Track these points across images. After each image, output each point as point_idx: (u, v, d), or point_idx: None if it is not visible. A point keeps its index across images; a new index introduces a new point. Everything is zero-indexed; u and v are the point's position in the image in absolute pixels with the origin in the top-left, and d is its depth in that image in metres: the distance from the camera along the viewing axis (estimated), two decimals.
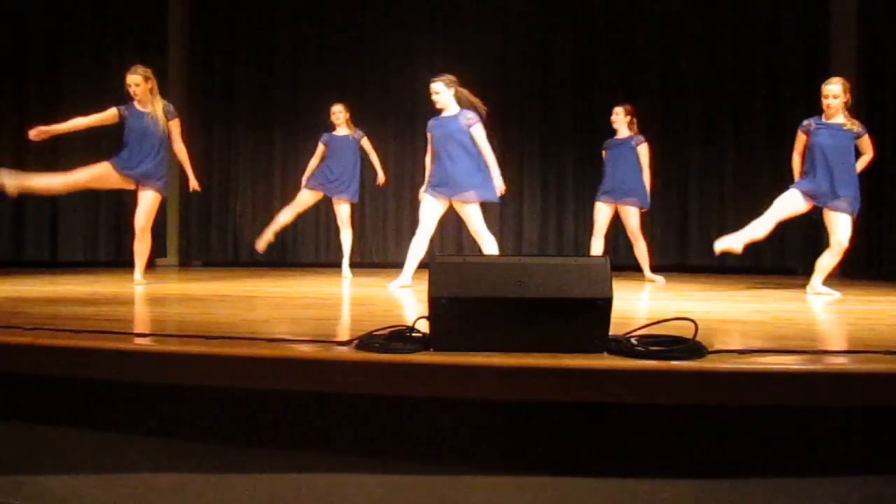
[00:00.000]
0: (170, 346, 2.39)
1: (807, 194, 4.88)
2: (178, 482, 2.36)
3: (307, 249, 7.70)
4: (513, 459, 2.23)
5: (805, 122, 5.02)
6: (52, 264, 7.19)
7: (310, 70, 8.12)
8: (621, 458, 2.20)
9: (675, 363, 2.12)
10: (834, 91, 4.81)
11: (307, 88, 8.04)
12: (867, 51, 7.09)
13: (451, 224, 7.36)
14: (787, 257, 7.36)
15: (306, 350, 2.40)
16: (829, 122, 4.89)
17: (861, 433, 2.16)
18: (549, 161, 7.88)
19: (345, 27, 8.12)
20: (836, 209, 4.82)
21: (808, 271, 7.43)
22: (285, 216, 6.76)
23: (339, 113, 6.63)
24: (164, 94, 7.78)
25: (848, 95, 4.85)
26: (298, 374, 2.24)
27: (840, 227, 4.81)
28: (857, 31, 7.23)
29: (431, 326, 2.30)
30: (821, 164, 4.83)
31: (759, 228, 4.93)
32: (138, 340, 2.53)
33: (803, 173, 4.99)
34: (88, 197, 7.42)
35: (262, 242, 6.72)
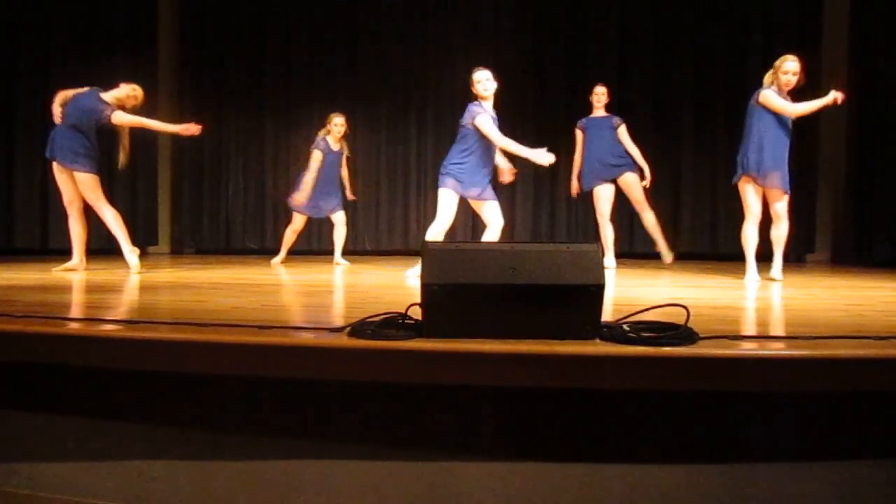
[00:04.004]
0: (162, 333, 2.39)
1: None
2: (170, 469, 2.36)
3: (300, 237, 7.66)
4: (505, 445, 2.24)
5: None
6: (43, 251, 7.16)
7: (301, 57, 8.07)
8: (613, 443, 2.21)
9: (666, 349, 2.13)
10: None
11: (298, 76, 8.00)
12: (857, 48, 7.11)
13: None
14: None
15: (299, 337, 2.39)
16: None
17: (852, 418, 2.17)
18: (541, 147, 7.86)
19: (336, 11, 8.06)
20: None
21: (799, 258, 7.54)
22: (289, 238, 6.67)
23: (340, 126, 6.43)
24: (154, 84, 7.78)
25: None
26: (291, 362, 2.24)
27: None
28: (848, 30, 7.25)
29: (424, 313, 2.30)
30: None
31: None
32: (129, 328, 2.52)
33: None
34: None
35: (279, 259, 6.61)
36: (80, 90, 5.35)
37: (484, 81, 5.01)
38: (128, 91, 5.38)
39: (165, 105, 7.93)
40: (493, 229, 5.22)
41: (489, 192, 5.18)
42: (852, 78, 7.06)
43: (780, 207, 4.95)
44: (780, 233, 5.01)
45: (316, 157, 6.38)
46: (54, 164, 5.33)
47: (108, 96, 5.32)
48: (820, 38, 7.37)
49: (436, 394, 2.23)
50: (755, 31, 7.44)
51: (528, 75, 7.84)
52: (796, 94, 4.98)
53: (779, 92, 4.89)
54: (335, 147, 6.51)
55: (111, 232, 5.40)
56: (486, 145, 5.07)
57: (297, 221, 6.61)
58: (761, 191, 4.95)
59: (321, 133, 6.51)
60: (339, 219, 6.61)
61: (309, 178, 6.36)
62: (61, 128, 5.25)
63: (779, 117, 4.87)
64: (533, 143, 7.67)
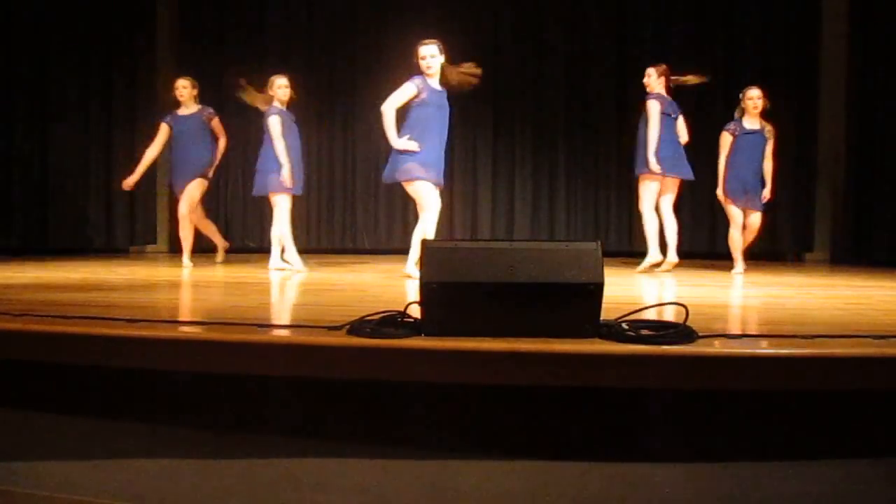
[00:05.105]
0: (160, 332, 2.38)
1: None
2: (169, 468, 2.36)
3: (297, 235, 7.66)
4: (504, 444, 2.23)
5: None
6: (42, 250, 7.15)
7: (299, 54, 8.06)
8: (612, 442, 2.21)
9: (665, 348, 2.13)
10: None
11: (297, 73, 7.97)
12: (856, 39, 7.10)
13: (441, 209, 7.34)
14: (777, 243, 7.38)
15: (297, 335, 2.39)
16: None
17: (851, 417, 2.17)
18: (541, 146, 7.86)
19: (336, 11, 8.06)
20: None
21: (798, 256, 7.55)
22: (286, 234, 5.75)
23: (286, 88, 5.64)
24: (152, 80, 7.77)
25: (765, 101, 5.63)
26: (289, 360, 2.24)
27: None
28: (847, 25, 7.25)
29: (423, 311, 2.30)
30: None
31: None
32: (128, 327, 2.51)
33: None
34: (78, 182, 7.39)
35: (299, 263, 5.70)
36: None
37: (429, 59, 4.71)
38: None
39: (164, 105, 7.90)
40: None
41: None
42: (851, 75, 7.06)
43: (755, 221, 5.68)
44: (746, 241, 5.75)
45: (274, 123, 5.48)
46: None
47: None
48: (819, 36, 7.38)
49: (434, 392, 2.23)
50: (753, 29, 7.44)
51: (525, 65, 7.83)
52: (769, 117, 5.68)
53: (743, 117, 5.67)
54: (290, 113, 5.69)
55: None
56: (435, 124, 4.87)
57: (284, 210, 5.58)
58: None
59: (264, 102, 5.66)
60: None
61: (280, 148, 5.45)
62: None
63: (749, 140, 5.58)
64: (527, 137, 7.75)
